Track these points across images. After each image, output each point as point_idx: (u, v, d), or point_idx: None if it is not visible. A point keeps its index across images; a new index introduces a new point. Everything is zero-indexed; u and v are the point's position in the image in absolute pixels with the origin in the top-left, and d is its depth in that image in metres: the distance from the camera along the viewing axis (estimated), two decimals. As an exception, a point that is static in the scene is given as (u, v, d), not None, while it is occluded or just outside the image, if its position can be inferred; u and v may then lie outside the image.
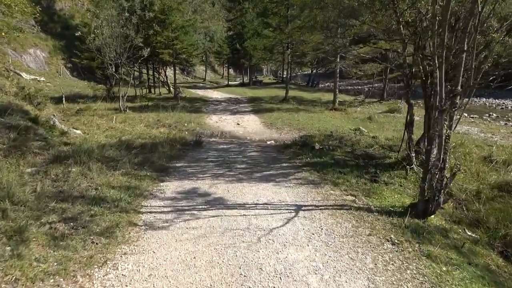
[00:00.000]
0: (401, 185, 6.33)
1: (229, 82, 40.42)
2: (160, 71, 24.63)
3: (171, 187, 5.71)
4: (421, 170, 7.05)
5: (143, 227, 4.15)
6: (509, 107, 22.77)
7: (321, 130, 11.36)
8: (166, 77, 23.78)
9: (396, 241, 3.78)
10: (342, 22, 13.92)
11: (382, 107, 19.28)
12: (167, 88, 23.91)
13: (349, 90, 37.14)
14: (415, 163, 6.99)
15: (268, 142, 10.06)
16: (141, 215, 4.52)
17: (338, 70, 16.51)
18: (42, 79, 25.87)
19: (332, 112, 16.25)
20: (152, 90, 24.70)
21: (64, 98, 16.99)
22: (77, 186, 5.21)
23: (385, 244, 3.75)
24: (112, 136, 10.07)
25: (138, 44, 15.77)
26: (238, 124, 13.39)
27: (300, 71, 59.12)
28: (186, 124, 13.13)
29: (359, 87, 44.76)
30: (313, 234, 3.93)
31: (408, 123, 7.07)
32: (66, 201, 4.60)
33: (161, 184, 5.86)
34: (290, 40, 18.95)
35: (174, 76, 20.89)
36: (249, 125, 13.06)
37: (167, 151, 8.49)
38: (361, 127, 11.32)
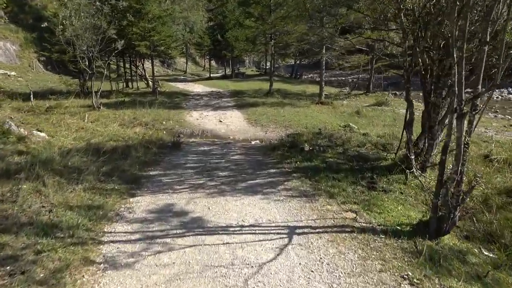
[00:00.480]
0: (401, 192, 5.70)
1: (211, 75, 39.31)
2: (137, 64, 23.42)
3: (142, 203, 4.90)
4: (422, 174, 6.46)
5: (102, 265, 3.34)
6: (495, 98, 22.64)
7: (309, 127, 10.67)
8: (144, 71, 22.64)
9: (415, 280, 3.10)
10: (329, 11, 13.22)
11: (369, 100, 18.74)
12: (146, 82, 22.78)
13: (332, 81, 36.58)
14: (415, 166, 6.37)
15: (253, 142, 9.31)
16: (101, 246, 3.71)
17: (324, 62, 15.83)
18: (13, 73, 24.30)
19: (319, 106, 15.60)
20: (130, 84, 23.53)
21: (32, 95, 15.80)
22: (27, 209, 4.35)
23: (402, 284, 3.06)
24: (81, 139, 9.11)
25: (112, 36, 14.66)
26: (220, 121, 12.57)
27: (283, 62, 58.41)
28: (164, 122, 12.23)
29: (343, 78, 44.32)
30: (312, 271, 3.21)
31: (408, 123, 6.42)
32: (9, 232, 3.74)
33: (131, 200, 5.04)
34: (273, 30, 18.11)
35: (153, 69, 19.80)
36: (232, 123, 12.26)
37: (141, 155, 7.64)
38: (350, 123, 10.69)
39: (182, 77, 40.66)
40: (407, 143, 6.43)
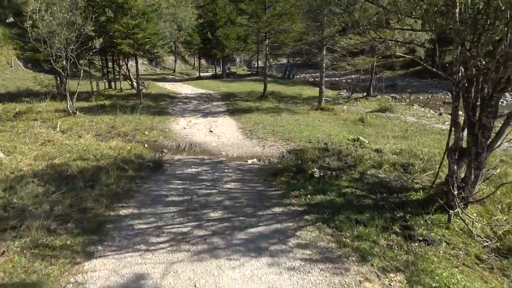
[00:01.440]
0: (448, 243, 4.36)
1: (201, 74, 37.73)
2: (121, 63, 21.76)
3: (100, 275, 3.45)
4: (465, 212, 5.15)
5: None
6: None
7: (312, 140, 9.30)
8: (128, 70, 21.02)
9: None
10: (333, 9, 11.89)
11: (370, 105, 17.47)
12: (130, 83, 21.16)
13: (324, 82, 35.26)
14: (458, 205, 5.04)
15: (250, 162, 7.89)
16: None
17: (324, 64, 14.48)
18: (-15, 72, 22.52)
19: (319, 112, 14.26)
20: (114, 85, 21.87)
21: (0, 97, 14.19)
22: None
23: None
24: (44, 157, 7.59)
25: (88, 33, 13.08)
26: (211, 131, 11.12)
27: (275, 61, 57.05)
28: (146, 133, 10.74)
29: (336, 79, 43.18)
30: None
31: (451, 150, 5.07)
32: None
33: (85, 267, 3.58)
34: (268, 29, 16.70)
35: (137, 70, 18.23)
36: (224, 133, 10.82)
37: (113, 182, 6.17)
38: (360, 137, 9.35)
39: (171, 77, 38.99)
40: (449, 174, 5.10)
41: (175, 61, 44.97)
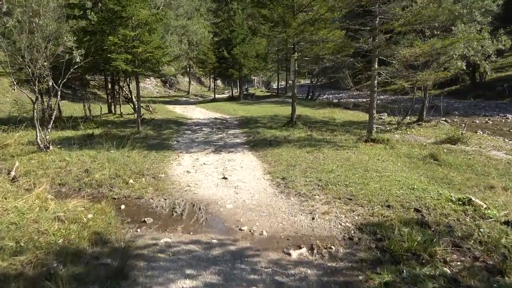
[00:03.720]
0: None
1: (216, 96, 34.71)
2: (122, 84, 18.74)
3: None
4: None
5: None
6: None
7: (391, 201, 5.62)
8: (131, 92, 17.92)
9: None
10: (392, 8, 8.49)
11: (429, 133, 13.69)
12: (132, 106, 18.03)
13: (348, 103, 31.55)
14: None
15: (295, 255, 4.25)
16: None
17: (375, 81, 10.89)
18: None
19: (370, 145, 10.58)
20: (114, 108, 18.80)
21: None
22: None
23: None
24: None
25: (66, 45, 10.03)
26: (225, 178, 7.58)
27: (296, 81, 53.93)
28: (131, 181, 7.31)
29: (363, 100, 39.49)
30: None
31: None
32: None
33: None
34: (298, 39, 13.34)
35: (137, 92, 15.10)
36: (244, 182, 7.25)
37: None
38: (472, 198, 5.61)
39: (184, 99, 36.18)
40: None
41: (189, 82, 42.27)
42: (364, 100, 39.58)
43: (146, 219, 5.44)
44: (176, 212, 5.78)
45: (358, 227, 4.90)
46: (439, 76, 9.95)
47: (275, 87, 59.55)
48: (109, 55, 13.49)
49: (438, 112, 24.80)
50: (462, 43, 10.57)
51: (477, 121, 19.75)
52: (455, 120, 20.37)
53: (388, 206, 5.45)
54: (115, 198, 6.50)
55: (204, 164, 8.85)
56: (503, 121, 20.24)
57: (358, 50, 11.73)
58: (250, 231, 4.97)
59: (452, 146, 11.30)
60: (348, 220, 5.09)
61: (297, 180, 7.02)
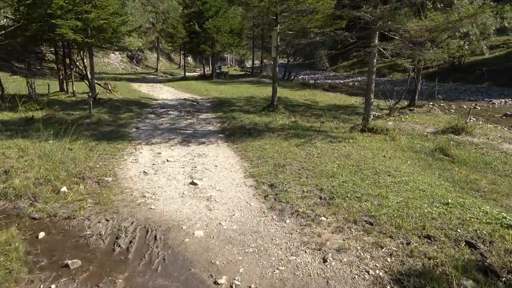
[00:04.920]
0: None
1: (186, 74, 32.16)
2: (76, 57, 16.14)
3: None
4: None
5: None
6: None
7: (427, 226, 3.98)
8: (85, 67, 15.38)
9: None
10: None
11: (425, 121, 12.29)
12: (88, 84, 15.53)
13: (324, 84, 29.99)
14: None
15: None
16: None
17: (375, 61, 9.19)
18: None
19: (368, 136, 8.97)
20: (67, 86, 16.19)
21: None
22: None
23: None
24: None
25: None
26: (193, 183, 5.71)
27: (270, 61, 51.73)
28: (63, 189, 5.34)
29: (340, 81, 38.08)
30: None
31: None
32: None
33: None
34: (283, 7, 11.39)
35: (91, 67, 12.72)
36: (220, 192, 5.41)
37: None
38: (509, 218, 4.10)
39: (152, 76, 33.45)
40: None
41: (158, 59, 39.26)
42: (342, 81, 38.26)
43: (70, 261, 3.54)
44: (119, 245, 3.90)
45: (396, 278, 3.23)
46: (453, 54, 8.35)
47: (248, 66, 57.19)
48: (53, 21, 11.02)
49: (421, 96, 23.69)
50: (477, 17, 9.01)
51: (465, 106, 18.72)
52: (441, 105, 19.26)
53: (429, 238, 3.81)
54: (34, 219, 4.52)
55: (167, 161, 6.92)
56: (490, 106, 19.34)
57: (352, 23, 9.98)
58: (232, 286, 3.19)
59: (456, 136, 9.90)
60: (377, 265, 3.41)
61: (290, 189, 5.26)
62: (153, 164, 6.74)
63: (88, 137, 8.29)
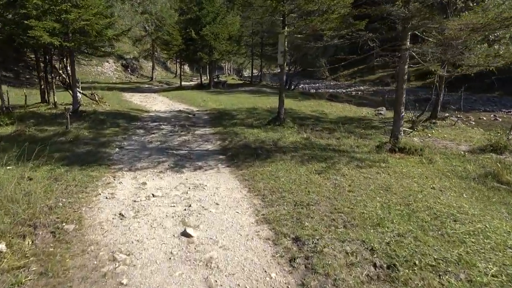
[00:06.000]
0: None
1: (183, 83, 30.64)
2: (59, 65, 14.56)
3: None
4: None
5: None
6: None
7: None
8: (69, 76, 13.78)
9: None
10: None
11: (454, 135, 10.76)
12: (72, 94, 13.93)
13: (324, 94, 28.58)
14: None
15: None
16: None
17: (406, 68, 7.65)
18: None
19: (400, 157, 7.39)
20: (48, 96, 14.58)
21: None
22: None
23: None
24: None
25: None
26: (186, 234, 4.09)
27: (269, 70, 50.44)
28: (1, 248, 3.66)
29: (342, 90, 36.73)
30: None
31: None
32: None
33: None
34: (291, 7, 9.92)
35: (72, 74, 11.18)
36: (225, 250, 3.79)
37: None
38: None
39: (147, 86, 31.88)
40: None
41: (153, 68, 37.74)
42: (344, 90, 36.89)
43: None
44: None
45: None
46: (504, 60, 6.85)
47: (246, 75, 55.84)
48: (26, 22, 9.48)
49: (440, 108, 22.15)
50: None
51: (484, 118, 17.27)
52: (459, 116, 17.76)
53: None
54: None
55: (153, 195, 5.30)
56: (511, 117, 17.90)
57: (372, 23, 8.51)
58: None
59: (500, 156, 8.35)
60: None
61: (326, 247, 3.64)
62: (135, 201, 5.12)
63: (57, 160, 6.69)
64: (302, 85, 40.23)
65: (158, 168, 6.69)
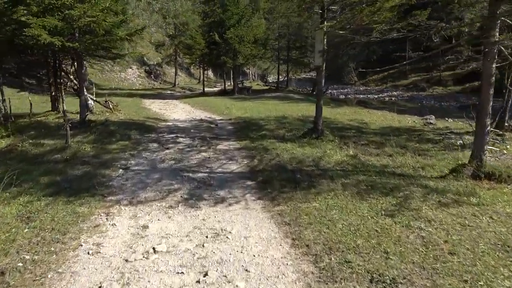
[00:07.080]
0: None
1: (206, 89, 29.30)
2: (70, 69, 13.37)
3: None
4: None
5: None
6: None
7: None
8: (79, 82, 12.53)
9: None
10: None
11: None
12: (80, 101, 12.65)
13: (354, 99, 26.50)
14: None
15: None
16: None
17: (493, 68, 5.78)
18: None
19: (489, 186, 5.49)
20: (58, 104, 13.39)
21: None
22: None
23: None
24: None
25: None
26: None
27: (295, 75, 48.54)
28: None
29: (374, 96, 34.46)
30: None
31: None
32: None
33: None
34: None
35: (80, 78, 9.88)
36: None
37: None
38: None
39: (169, 92, 30.76)
40: None
41: (176, 73, 36.73)
42: (375, 96, 34.61)
43: None
44: None
45: None
46: None
47: (271, 80, 54.16)
48: (23, 18, 8.17)
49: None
50: None
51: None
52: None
53: None
54: None
55: (154, 251, 3.66)
56: None
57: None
58: None
59: None
60: None
61: None
62: (127, 260, 3.49)
63: (42, 188, 5.20)
64: (330, 90, 38.19)
65: (167, 201, 5.06)
